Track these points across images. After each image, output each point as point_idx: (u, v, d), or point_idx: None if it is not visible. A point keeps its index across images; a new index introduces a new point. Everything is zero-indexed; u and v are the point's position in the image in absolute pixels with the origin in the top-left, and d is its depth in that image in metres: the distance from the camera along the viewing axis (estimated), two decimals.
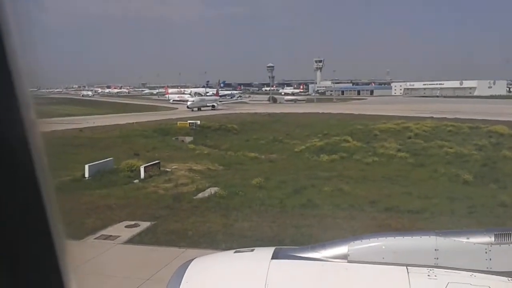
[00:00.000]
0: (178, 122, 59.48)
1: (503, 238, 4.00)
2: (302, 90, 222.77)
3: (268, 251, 4.52)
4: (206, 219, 19.77)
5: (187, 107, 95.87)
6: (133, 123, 61.37)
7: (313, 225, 18.80)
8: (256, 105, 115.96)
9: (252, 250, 4.73)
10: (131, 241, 17.28)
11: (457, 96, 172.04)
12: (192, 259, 4.66)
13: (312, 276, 4.19)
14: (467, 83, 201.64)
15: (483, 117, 64.74)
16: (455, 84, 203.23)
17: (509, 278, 3.83)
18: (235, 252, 4.79)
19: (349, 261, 4.19)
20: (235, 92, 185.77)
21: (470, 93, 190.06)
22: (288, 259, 4.36)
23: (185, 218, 19.96)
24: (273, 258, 4.32)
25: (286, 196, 23.77)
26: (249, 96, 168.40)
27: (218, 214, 20.62)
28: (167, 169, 30.90)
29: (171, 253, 15.60)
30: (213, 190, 24.89)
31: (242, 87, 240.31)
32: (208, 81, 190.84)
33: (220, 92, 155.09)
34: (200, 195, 24.38)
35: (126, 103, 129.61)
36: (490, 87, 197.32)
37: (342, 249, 4.28)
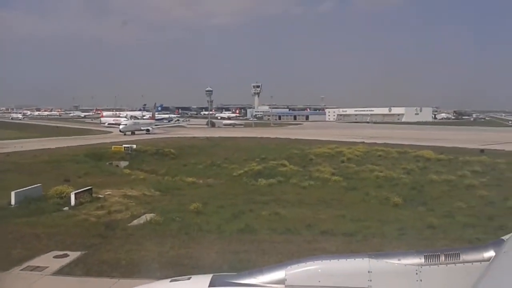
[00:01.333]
0: (113, 146, 57.77)
1: (432, 259, 4.19)
2: (238, 115, 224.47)
3: (205, 278, 4.47)
4: (141, 247, 19.14)
5: (120, 131, 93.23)
6: (63, 147, 58.79)
7: (251, 250, 18.76)
8: (194, 129, 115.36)
9: (189, 279, 4.65)
10: (60, 272, 16.32)
11: (386, 122, 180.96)
12: None
13: None
14: (395, 110, 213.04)
15: (410, 142, 68.57)
16: (385, 110, 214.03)
17: None
18: (171, 281, 4.68)
19: (287, 286, 4.24)
20: (172, 115, 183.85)
21: (398, 119, 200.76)
22: (226, 286, 4.33)
23: (119, 247, 19.21)
24: (210, 285, 4.28)
25: (224, 221, 23.60)
26: (187, 120, 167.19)
27: (153, 242, 20.03)
28: (100, 196, 29.75)
29: (102, 284, 14.93)
30: (148, 216, 24.22)
31: (180, 111, 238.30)
32: (145, 105, 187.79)
33: (157, 115, 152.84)
34: (135, 222, 23.62)
35: (57, 126, 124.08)
36: (417, 114, 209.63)
37: (279, 274, 4.32)
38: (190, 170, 44.58)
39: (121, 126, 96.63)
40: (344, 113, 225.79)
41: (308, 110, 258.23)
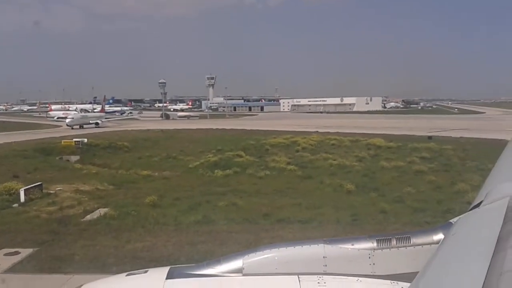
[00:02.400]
0: (63, 141, 55.76)
1: (384, 243, 4.34)
2: (190, 106, 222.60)
3: (162, 271, 4.44)
4: (95, 242, 18.75)
5: (67, 124, 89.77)
6: (11, 142, 56.27)
7: (208, 241, 18.79)
8: (148, 122, 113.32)
9: (146, 272, 4.60)
10: (11, 270, 15.78)
11: (339, 112, 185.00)
12: (81, 286, 4.41)
13: None
14: (347, 100, 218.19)
15: (362, 131, 70.46)
16: (337, 100, 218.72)
17: (392, 281, 4.18)
18: (127, 275, 4.61)
19: (244, 274, 4.28)
20: (125, 108, 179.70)
21: (350, 108, 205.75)
22: (184, 277, 4.32)
23: (72, 243, 18.74)
24: (167, 278, 4.26)
25: (181, 213, 23.46)
26: (140, 113, 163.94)
27: (108, 236, 19.66)
28: (51, 191, 28.77)
29: (56, 280, 14.59)
30: (102, 211, 23.70)
31: (132, 103, 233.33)
32: (95, 97, 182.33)
33: (109, 108, 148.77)
34: (88, 217, 23.05)
35: (3, 121, 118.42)
36: (367, 103, 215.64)
37: (237, 263, 4.36)
38: (144, 163, 43.82)
39: (67, 120, 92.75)
40: (298, 103, 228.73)
41: (263, 101, 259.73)
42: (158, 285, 4.17)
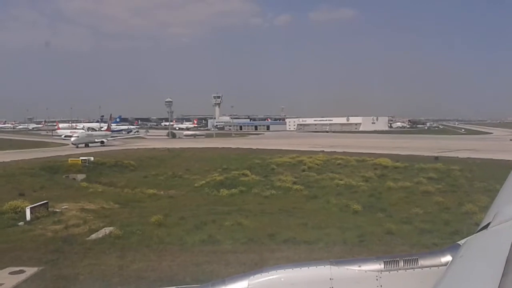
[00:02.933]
0: (69, 159, 56.05)
1: (391, 265, 4.28)
2: (195, 125, 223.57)
3: None
4: (100, 262, 18.69)
5: (72, 143, 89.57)
6: (18, 160, 56.63)
7: (214, 261, 18.66)
8: (155, 140, 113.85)
9: None
10: None
11: (345, 131, 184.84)
12: None
13: None
14: (353, 119, 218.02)
15: (368, 151, 70.21)
16: (343, 120, 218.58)
17: None
18: None
19: None
20: (132, 127, 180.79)
21: (356, 128, 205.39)
22: None
23: (77, 262, 18.70)
24: None
25: (186, 233, 23.38)
26: (147, 131, 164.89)
27: (113, 256, 19.60)
28: (57, 210, 28.83)
29: None
30: (107, 230, 23.69)
31: (139, 122, 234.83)
32: (102, 116, 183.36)
33: (115, 127, 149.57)
34: (93, 236, 23.02)
35: (10, 139, 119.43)
36: (373, 123, 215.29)
37: (242, 284, 4.31)
38: (150, 181, 43.93)
39: (72, 139, 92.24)
40: (303, 122, 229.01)
41: (269, 120, 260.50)
42: None
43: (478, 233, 3.62)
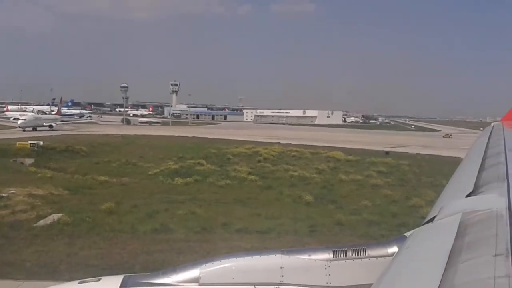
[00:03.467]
0: (17, 143, 53.68)
1: (340, 254, 4.39)
2: (151, 112, 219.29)
3: (116, 279, 4.32)
4: (48, 249, 18.11)
5: (19, 126, 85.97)
6: None
7: (165, 250, 18.49)
8: (108, 127, 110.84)
9: (99, 280, 4.46)
10: None
11: (301, 124, 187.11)
12: None
13: None
14: (309, 113, 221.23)
15: (322, 144, 71.51)
16: (299, 113, 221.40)
17: None
18: (79, 282, 4.46)
19: (201, 284, 4.22)
20: (84, 111, 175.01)
21: (312, 121, 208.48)
22: (138, 286, 4.22)
23: (23, 248, 18.05)
24: (121, 286, 4.15)
25: (138, 221, 23.00)
26: (100, 117, 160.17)
27: (61, 243, 19.04)
28: (3, 194, 27.57)
29: (6, 286, 13.97)
30: (56, 216, 22.92)
31: (92, 107, 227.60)
32: (54, 99, 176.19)
33: (68, 111, 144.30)
34: (41, 222, 22.24)
35: None
36: (328, 117, 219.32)
37: (193, 273, 4.30)
38: (102, 168, 42.73)
39: (19, 121, 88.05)
40: (261, 114, 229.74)
41: (226, 110, 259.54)
42: None
43: (424, 225, 3.75)
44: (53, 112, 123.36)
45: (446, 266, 2.28)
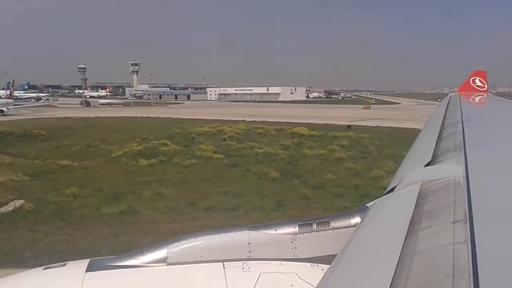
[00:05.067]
0: None
1: (305, 227, 4.47)
2: (108, 93, 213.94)
3: (82, 264, 4.25)
4: (11, 236, 17.69)
5: None
6: None
7: (133, 232, 18.36)
8: (67, 109, 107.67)
9: (64, 265, 4.38)
10: None
11: (265, 101, 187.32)
12: None
13: (130, 284, 4.10)
14: (272, 89, 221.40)
15: (286, 120, 71.98)
16: (263, 90, 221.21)
17: (312, 264, 4.32)
18: (44, 268, 4.36)
19: (168, 264, 4.21)
20: (42, 95, 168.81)
21: (276, 98, 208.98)
22: (104, 269, 4.17)
23: None
24: (87, 271, 4.08)
25: (103, 204, 22.69)
26: (56, 99, 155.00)
27: (25, 229, 18.60)
28: None
29: None
30: (18, 203, 22.32)
31: (50, 90, 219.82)
32: (9, 83, 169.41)
33: (24, 94, 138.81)
34: (2, 209, 21.62)
35: None
36: (292, 93, 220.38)
37: (161, 253, 4.28)
38: (63, 152, 41.60)
39: None
40: (224, 92, 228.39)
41: (190, 89, 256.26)
42: (78, 278, 3.99)
43: (385, 196, 3.85)
44: (3, 96, 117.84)
45: (407, 234, 2.34)
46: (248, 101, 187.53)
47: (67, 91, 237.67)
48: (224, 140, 49.43)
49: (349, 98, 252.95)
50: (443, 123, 7.67)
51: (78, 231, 18.62)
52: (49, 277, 4.24)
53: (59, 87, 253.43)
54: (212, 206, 22.26)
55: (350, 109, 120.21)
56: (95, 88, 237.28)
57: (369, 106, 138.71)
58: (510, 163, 3.79)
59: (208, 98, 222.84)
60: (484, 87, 19.06)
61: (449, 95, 17.58)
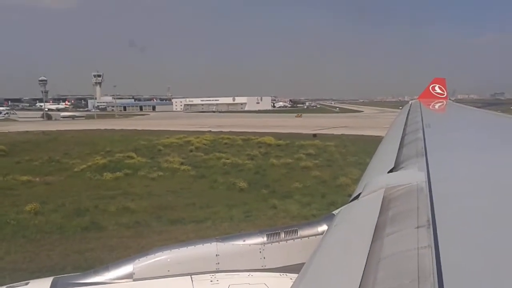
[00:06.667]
0: None
1: (273, 237, 4.49)
2: (67, 106, 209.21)
3: (45, 282, 4.12)
4: None
5: None
6: None
7: (97, 248, 17.89)
8: (28, 123, 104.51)
9: (27, 284, 4.23)
10: None
11: (231, 111, 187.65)
12: None
13: None
14: (238, 99, 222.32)
15: (253, 130, 72.28)
16: (229, 100, 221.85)
17: (281, 274, 4.33)
18: None
19: (135, 280, 4.13)
20: (1, 108, 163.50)
21: (242, 108, 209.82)
22: (69, 287, 4.05)
23: None
24: None
25: (66, 220, 22.00)
26: (14, 113, 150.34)
27: None
28: None
29: None
30: None
31: (9, 103, 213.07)
32: None
33: None
34: None
35: None
36: (258, 103, 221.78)
37: (127, 269, 4.19)
38: (24, 167, 40.20)
39: None
40: (190, 103, 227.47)
41: (155, 100, 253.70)
42: None
43: (350, 203, 3.91)
44: None
45: (372, 240, 2.38)
46: (214, 112, 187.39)
47: (28, 105, 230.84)
48: (191, 151, 49.05)
49: (314, 107, 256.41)
50: (404, 130, 7.87)
51: (41, 248, 17.99)
52: None
53: (19, 100, 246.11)
54: (180, 219, 21.99)
55: (315, 118, 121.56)
56: (56, 100, 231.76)
57: (301, 115, 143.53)
58: (470, 168, 3.91)
59: (174, 109, 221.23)
60: (444, 94, 19.74)
61: (410, 102, 18.08)
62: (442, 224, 2.30)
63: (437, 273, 1.71)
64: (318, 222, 4.56)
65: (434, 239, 2.09)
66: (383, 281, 1.88)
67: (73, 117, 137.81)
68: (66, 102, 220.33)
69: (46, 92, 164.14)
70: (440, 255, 1.88)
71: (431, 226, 2.30)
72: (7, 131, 78.95)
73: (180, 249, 4.40)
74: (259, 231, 4.61)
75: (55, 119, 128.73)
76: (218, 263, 4.29)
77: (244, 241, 4.45)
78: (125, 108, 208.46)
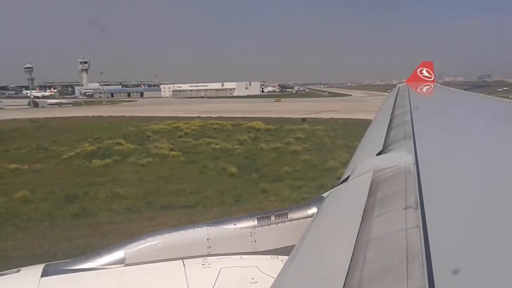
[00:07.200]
0: None
1: (263, 220, 4.52)
2: (52, 93, 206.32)
3: (36, 269, 4.11)
4: None
5: None
6: None
7: (88, 234, 17.90)
8: (14, 111, 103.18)
9: (18, 271, 4.22)
10: None
11: (220, 97, 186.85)
12: None
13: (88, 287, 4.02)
14: (227, 85, 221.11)
15: (242, 115, 72.16)
16: (218, 85, 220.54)
17: (272, 256, 4.38)
18: None
19: (126, 265, 4.15)
20: None
21: (231, 93, 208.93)
22: (60, 274, 4.05)
23: None
24: (43, 276, 3.96)
25: (56, 207, 21.94)
26: (1, 101, 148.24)
27: None
28: None
29: None
30: None
31: None
32: None
33: None
34: None
35: None
36: (247, 88, 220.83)
37: (118, 254, 4.20)
38: (12, 155, 39.81)
39: None
40: (179, 88, 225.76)
41: (143, 86, 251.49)
42: (33, 284, 3.86)
43: (339, 185, 3.95)
44: None
45: (361, 221, 2.41)
46: (203, 97, 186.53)
47: (14, 92, 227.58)
48: (180, 137, 48.92)
49: (303, 92, 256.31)
50: (392, 113, 7.93)
51: (31, 235, 17.96)
52: (2, 285, 4.08)
53: (5, 88, 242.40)
54: (170, 204, 22.03)
55: (303, 102, 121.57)
56: (43, 88, 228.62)
57: (280, 99, 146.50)
58: (457, 149, 3.96)
59: (162, 95, 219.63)
60: (431, 77, 19.86)
61: (398, 86, 18.16)
62: (429, 205, 2.34)
63: (425, 253, 1.75)
64: (308, 205, 4.60)
65: (422, 220, 2.13)
66: (372, 262, 1.92)
67: (60, 104, 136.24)
68: (52, 89, 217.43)
69: (32, 79, 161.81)
70: (428, 235, 1.91)
71: (419, 207, 2.34)
72: None
73: (171, 234, 4.42)
74: (249, 215, 4.64)
75: (42, 107, 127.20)
76: (209, 247, 4.32)
77: (234, 225, 4.48)
78: (112, 95, 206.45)
